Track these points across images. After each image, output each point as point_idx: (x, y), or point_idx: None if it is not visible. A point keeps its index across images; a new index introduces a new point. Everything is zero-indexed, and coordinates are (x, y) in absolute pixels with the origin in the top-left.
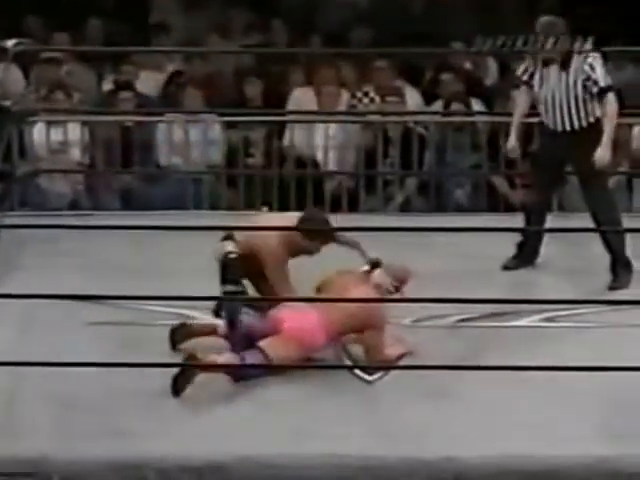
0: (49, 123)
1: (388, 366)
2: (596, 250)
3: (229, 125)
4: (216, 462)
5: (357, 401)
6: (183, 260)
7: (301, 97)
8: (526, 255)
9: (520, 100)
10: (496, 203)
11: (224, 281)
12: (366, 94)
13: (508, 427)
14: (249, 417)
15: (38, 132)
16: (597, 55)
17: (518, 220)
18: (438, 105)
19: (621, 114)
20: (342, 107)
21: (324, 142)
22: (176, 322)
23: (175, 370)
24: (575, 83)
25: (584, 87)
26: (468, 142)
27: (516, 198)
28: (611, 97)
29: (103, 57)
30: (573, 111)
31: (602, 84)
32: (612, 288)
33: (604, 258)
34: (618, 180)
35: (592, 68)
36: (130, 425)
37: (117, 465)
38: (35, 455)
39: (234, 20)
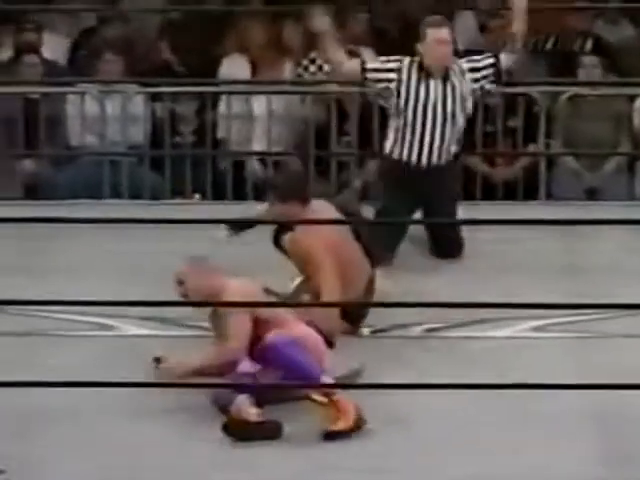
0: None
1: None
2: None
3: (154, 97)
4: None
5: None
6: (98, 259)
7: (234, 65)
8: None
9: None
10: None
11: None
12: (313, 61)
13: (480, 454)
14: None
15: None
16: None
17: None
18: None
19: (620, 84)
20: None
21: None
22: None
23: None
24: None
25: None
26: None
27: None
28: None
29: None
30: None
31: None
32: None
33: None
34: (617, 162)
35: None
36: None
37: None
38: None
39: None
